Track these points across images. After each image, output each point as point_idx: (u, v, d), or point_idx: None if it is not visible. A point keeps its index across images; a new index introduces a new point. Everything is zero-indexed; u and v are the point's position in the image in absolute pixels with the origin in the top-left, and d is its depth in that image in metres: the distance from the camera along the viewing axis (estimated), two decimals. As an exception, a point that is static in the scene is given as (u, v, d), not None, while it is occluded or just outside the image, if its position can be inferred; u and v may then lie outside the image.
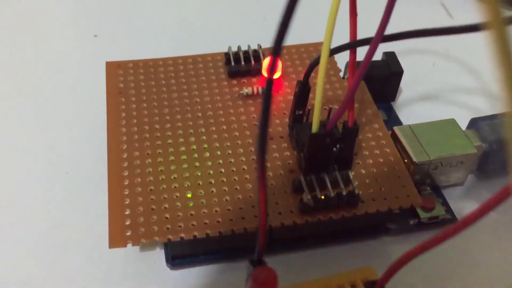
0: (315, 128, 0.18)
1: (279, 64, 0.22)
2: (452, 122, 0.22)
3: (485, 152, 0.22)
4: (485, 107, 0.26)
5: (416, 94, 0.27)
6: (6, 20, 0.30)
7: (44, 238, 0.20)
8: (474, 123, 0.22)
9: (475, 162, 0.22)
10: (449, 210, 0.21)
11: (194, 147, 0.20)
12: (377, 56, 0.22)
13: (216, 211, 0.18)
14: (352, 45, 0.17)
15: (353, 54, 0.17)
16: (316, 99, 0.17)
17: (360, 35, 0.17)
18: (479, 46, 0.28)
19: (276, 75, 0.23)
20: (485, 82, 0.27)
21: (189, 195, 0.19)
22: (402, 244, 0.21)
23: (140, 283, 0.19)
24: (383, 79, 0.24)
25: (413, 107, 0.26)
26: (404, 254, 0.14)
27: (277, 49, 0.11)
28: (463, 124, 0.22)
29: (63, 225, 0.20)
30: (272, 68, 0.12)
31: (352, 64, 0.17)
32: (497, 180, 0.23)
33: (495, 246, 0.21)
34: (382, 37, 0.15)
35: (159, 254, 0.20)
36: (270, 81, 0.12)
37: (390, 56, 0.25)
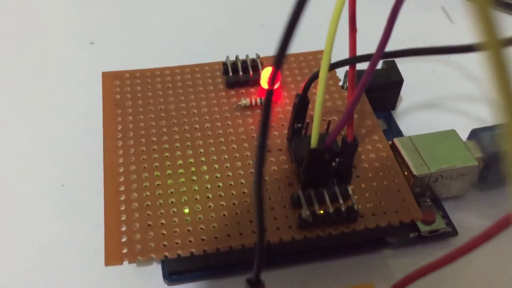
0: (314, 143, 0.18)
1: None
2: (452, 133, 0.22)
3: (486, 163, 0.21)
4: (486, 116, 0.25)
5: (416, 102, 0.26)
6: (1, 27, 0.30)
7: (39, 253, 0.20)
8: (475, 134, 0.22)
9: (476, 173, 0.21)
10: (449, 223, 0.21)
11: (192, 160, 0.20)
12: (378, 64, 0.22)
13: (213, 226, 0.18)
14: (351, 61, 0.17)
15: (352, 70, 0.17)
16: (315, 116, 0.17)
17: (360, 49, 0.17)
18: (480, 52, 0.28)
19: (275, 86, 0.22)
20: (486, 90, 0.27)
21: (186, 211, 0.19)
22: (402, 257, 0.20)
23: (137, 300, 0.19)
24: (383, 88, 0.24)
25: (413, 116, 0.26)
26: (403, 278, 0.14)
27: (279, 61, 0.11)
28: (464, 134, 0.22)
29: (58, 239, 0.20)
30: (273, 80, 0.11)
31: (352, 80, 0.17)
32: (499, 191, 0.22)
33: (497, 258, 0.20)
34: (381, 54, 0.14)
35: (156, 269, 0.19)
36: (270, 93, 0.11)
37: (390, 65, 0.24)
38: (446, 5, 0.32)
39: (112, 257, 0.17)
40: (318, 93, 0.16)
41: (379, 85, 0.24)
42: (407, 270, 0.17)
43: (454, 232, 0.21)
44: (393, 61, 0.25)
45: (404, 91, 0.26)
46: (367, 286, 0.17)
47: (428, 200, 0.21)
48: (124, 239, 0.18)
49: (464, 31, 0.25)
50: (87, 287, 0.19)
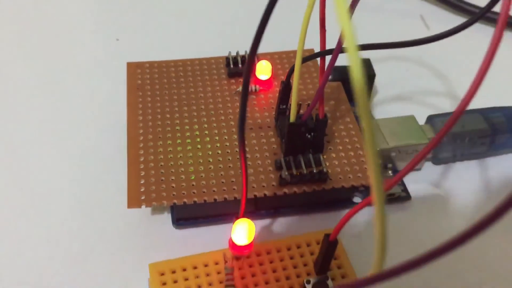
0: (292, 118, 0.22)
1: (269, 66, 0.27)
2: (411, 118, 0.27)
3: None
4: (445, 107, 0.30)
5: (389, 95, 0.31)
6: (29, 25, 0.35)
7: (76, 201, 0.25)
8: (430, 119, 0.27)
9: (429, 151, 0.26)
10: (405, 190, 0.26)
11: (197, 133, 0.25)
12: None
13: (212, 183, 0.23)
14: (321, 54, 0.22)
15: (323, 61, 0.22)
16: (293, 97, 0.22)
17: (330, 44, 0.22)
18: (449, 53, 0.33)
19: (267, 77, 0.27)
20: (450, 86, 0.32)
21: (191, 170, 0.24)
22: (365, 215, 0.25)
23: (151, 241, 0.24)
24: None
25: (385, 106, 0.30)
26: (348, 212, 0.19)
27: (252, 53, 0.16)
28: (422, 120, 0.27)
29: (90, 193, 0.25)
30: (248, 66, 0.16)
31: (322, 68, 0.22)
32: (448, 166, 0.27)
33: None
34: (340, 50, 0.19)
35: (166, 217, 0.24)
36: (248, 71, 0.16)
37: (365, 62, 0.29)
38: (425, 13, 0.37)
39: (133, 201, 0.22)
40: (294, 80, 0.21)
41: (354, 78, 0.29)
42: (367, 224, 0.22)
43: (408, 197, 0.25)
44: (368, 59, 0.29)
45: (380, 86, 0.31)
46: (319, 234, 0.22)
47: (390, 172, 0.26)
48: (142, 189, 0.23)
49: (453, 44, 0.29)
50: (110, 231, 0.24)
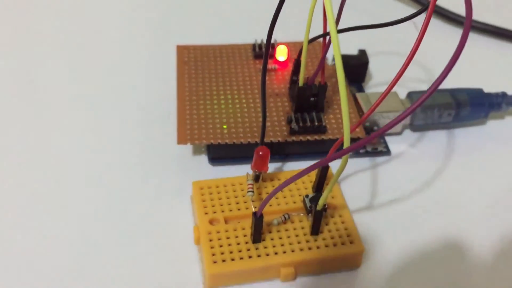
0: (300, 84, 0.30)
1: (285, 50, 0.35)
2: (394, 93, 0.34)
3: (413, 113, 0.34)
4: (422, 87, 0.38)
5: (380, 78, 0.39)
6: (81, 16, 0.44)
7: (137, 144, 0.33)
8: (409, 95, 0.35)
9: (407, 118, 0.34)
10: (386, 146, 0.33)
11: (229, 96, 0.33)
12: (354, 51, 0.36)
13: (240, 130, 0.31)
14: (323, 35, 0.30)
15: (324, 40, 0.30)
16: (301, 67, 0.30)
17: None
18: (430, 48, 0.40)
19: (284, 58, 0.35)
20: (428, 72, 0.39)
21: (224, 121, 0.32)
22: (354, 164, 0.33)
23: (192, 173, 0.31)
24: (355, 66, 0.37)
25: (377, 87, 0.38)
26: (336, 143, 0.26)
27: (268, 40, 0.24)
28: (404, 96, 0.35)
29: (148, 138, 0.33)
30: (266, 49, 0.24)
31: (323, 45, 0.30)
32: (423, 132, 0.35)
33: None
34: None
35: (204, 158, 0.32)
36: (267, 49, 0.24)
37: (362, 52, 0.37)
38: (417, 21, 0.45)
39: (181, 139, 0.30)
40: (303, 54, 0.29)
41: (352, 64, 0.37)
42: (355, 169, 0.30)
43: (388, 153, 0.33)
44: (364, 50, 0.37)
45: (374, 71, 0.39)
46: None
47: (376, 134, 0.34)
48: (188, 132, 0.31)
49: (429, 41, 0.36)
50: (163, 166, 0.32)
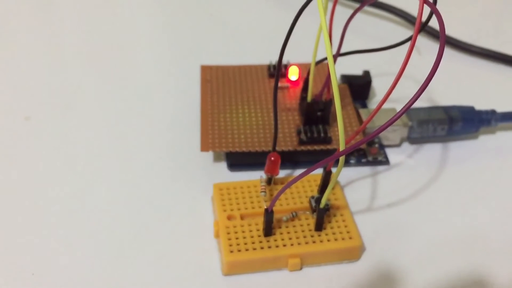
0: (309, 99, 0.35)
1: (297, 70, 0.40)
2: (393, 109, 0.38)
3: (410, 127, 0.38)
4: (415, 104, 0.42)
5: (381, 96, 0.43)
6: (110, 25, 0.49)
7: (163, 151, 0.38)
8: (408, 111, 0.39)
9: (404, 132, 0.38)
10: (385, 157, 0.37)
11: (246, 110, 0.38)
12: (359, 71, 0.40)
13: (255, 140, 0.36)
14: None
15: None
16: (309, 85, 0.34)
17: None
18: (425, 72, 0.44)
19: (295, 77, 0.40)
20: (428, 92, 0.43)
21: (242, 131, 0.36)
22: (357, 172, 0.37)
23: (213, 178, 0.36)
24: (360, 85, 0.41)
25: (377, 103, 0.42)
26: (336, 153, 0.30)
27: (280, 61, 0.28)
28: (403, 112, 0.39)
29: (172, 147, 0.38)
30: (278, 69, 0.29)
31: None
32: (420, 145, 0.39)
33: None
34: (338, 53, 0.32)
35: (223, 163, 0.37)
36: (278, 72, 0.29)
37: (366, 72, 0.41)
38: (418, 42, 0.49)
39: (204, 147, 0.35)
40: (310, 74, 0.34)
41: (357, 83, 0.41)
42: (357, 177, 0.34)
43: (387, 162, 0.37)
44: (368, 71, 0.42)
45: (378, 90, 0.43)
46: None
47: (376, 145, 0.38)
48: (210, 140, 0.35)
49: (428, 61, 0.39)
50: (186, 170, 0.36)
